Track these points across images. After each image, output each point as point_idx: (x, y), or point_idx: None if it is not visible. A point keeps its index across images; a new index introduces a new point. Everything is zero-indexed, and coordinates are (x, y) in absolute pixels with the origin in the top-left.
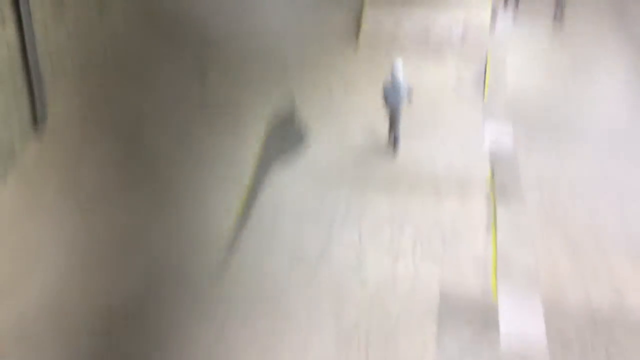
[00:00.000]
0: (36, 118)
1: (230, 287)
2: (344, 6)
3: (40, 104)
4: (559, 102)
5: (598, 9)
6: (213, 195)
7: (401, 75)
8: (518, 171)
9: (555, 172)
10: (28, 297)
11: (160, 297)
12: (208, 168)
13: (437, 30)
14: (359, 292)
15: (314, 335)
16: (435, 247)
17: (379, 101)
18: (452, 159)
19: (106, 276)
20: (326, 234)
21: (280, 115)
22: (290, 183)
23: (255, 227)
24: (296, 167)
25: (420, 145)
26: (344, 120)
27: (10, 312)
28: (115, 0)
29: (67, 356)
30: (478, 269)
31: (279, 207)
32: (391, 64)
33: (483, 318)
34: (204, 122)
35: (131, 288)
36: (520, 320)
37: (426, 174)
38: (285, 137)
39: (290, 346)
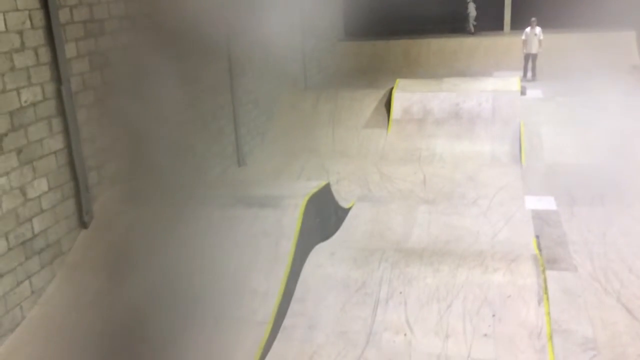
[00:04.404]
0: (83, 220)
1: None
2: (374, 86)
3: (87, 207)
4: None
5: None
6: (252, 270)
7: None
8: (565, 239)
9: (602, 237)
10: None
11: None
12: (249, 242)
13: (468, 106)
14: None
15: None
16: (486, 323)
17: (412, 179)
18: (495, 231)
19: None
20: (371, 315)
21: (316, 191)
22: (329, 259)
23: (298, 308)
24: (334, 242)
25: (463, 219)
26: (377, 195)
27: None
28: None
29: None
30: (533, 343)
31: (320, 285)
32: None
33: None
34: (237, 215)
35: None
36: None
37: (470, 247)
38: (322, 212)
39: None
